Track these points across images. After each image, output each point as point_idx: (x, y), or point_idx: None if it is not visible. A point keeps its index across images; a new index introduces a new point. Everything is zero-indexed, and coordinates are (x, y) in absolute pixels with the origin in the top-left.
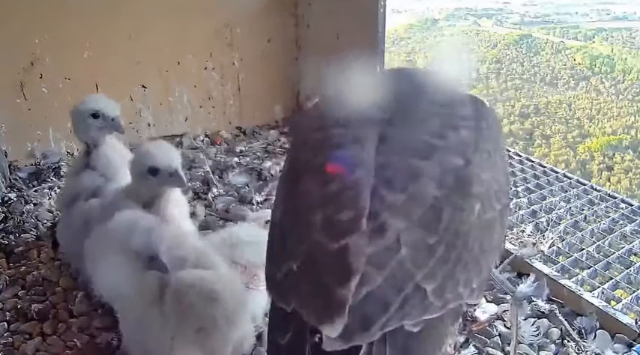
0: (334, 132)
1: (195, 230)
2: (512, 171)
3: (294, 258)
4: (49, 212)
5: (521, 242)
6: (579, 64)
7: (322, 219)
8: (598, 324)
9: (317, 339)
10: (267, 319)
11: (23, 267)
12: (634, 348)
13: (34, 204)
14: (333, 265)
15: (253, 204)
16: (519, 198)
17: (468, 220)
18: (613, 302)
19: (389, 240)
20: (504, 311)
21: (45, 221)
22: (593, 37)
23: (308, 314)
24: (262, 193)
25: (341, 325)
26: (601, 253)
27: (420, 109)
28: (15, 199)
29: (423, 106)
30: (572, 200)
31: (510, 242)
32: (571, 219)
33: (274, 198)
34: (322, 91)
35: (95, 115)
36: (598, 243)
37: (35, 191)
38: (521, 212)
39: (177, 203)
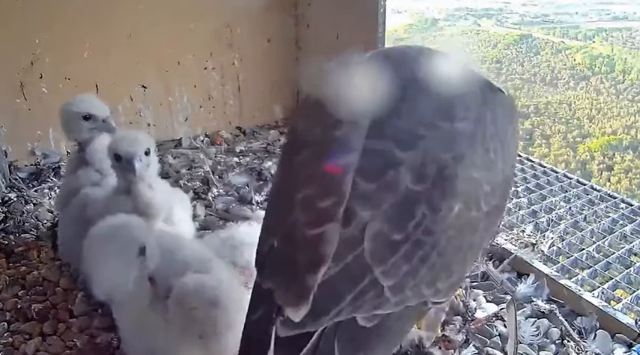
0: (328, 116)
1: (195, 231)
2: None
3: (275, 236)
4: (49, 212)
5: (521, 242)
6: (579, 64)
7: (303, 201)
8: (598, 324)
9: (280, 321)
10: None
11: (23, 267)
12: (634, 348)
13: (34, 204)
14: (308, 251)
15: (253, 204)
16: (519, 198)
17: (443, 220)
18: (613, 302)
19: (353, 232)
20: (501, 309)
21: (45, 221)
22: (593, 37)
23: (278, 294)
24: (262, 193)
25: (305, 310)
26: (601, 253)
27: (420, 95)
28: (15, 199)
29: (424, 91)
30: (572, 200)
31: (510, 242)
32: (571, 219)
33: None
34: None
35: (86, 117)
36: (598, 243)
37: (35, 191)
38: (521, 212)
39: (182, 205)
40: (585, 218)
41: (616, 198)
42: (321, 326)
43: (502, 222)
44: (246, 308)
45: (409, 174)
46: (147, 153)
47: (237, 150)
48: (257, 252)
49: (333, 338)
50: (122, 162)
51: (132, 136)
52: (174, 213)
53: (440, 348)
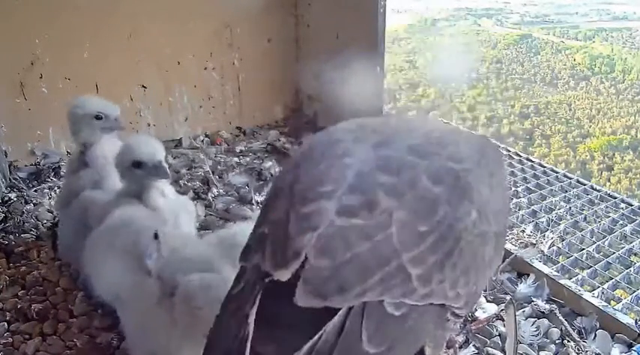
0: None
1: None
2: (512, 171)
3: (266, 224)
4: (49, 212)
5: (521, 242)
6: (579, 64)
7: (298, 191)
8: (598, 324)
9: (268, 282)
10: None
11: (23, 267)
12: (634, 348)
13: (34, 204)
14: (297, 222)
15: (253, 204)
16: (519, 198)
17: (463, 221)
18: (613, 302)
19: (380, 215)
20: (502, 310)
21: (45, 221)
22: (593, 37)
23: (265, 261)
24: (262, 193)
25: (291, 271)
26: (601, 253)
27: (423, 137)
28: (15, 199)
29: (425, 136)
30: (572, 200)
31: (510, 242)
32: (571, 219)
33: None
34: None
35: (98, 117)
36: (598, 243)
37: (35, 191)
38: (521, 212)
39: (187, 212)
40: (585, 218)
41: (616, 198)
42: (347, 303)
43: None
44: None
45: (425, 175)
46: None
47: (237, 150)
48: (243, 250)
49: (360, 319)
50: (146, 167)
51: (149, 141)
52: (180, 219)
53: None
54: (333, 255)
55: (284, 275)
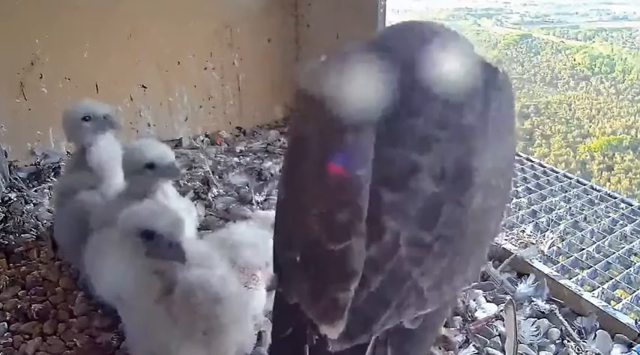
0: (331, 119)
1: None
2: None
3: (294, 249)
4: (49, 212)
5: (521, 242)
6: (579, 64)
7: (320, 215)
8: (598, 324)
9: (317, 338)
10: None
11: (23, 267)
12: (634, 348)
13: (34, 204)
14: (334, 267)
15: (253, 204)
16: (519, 198)
17: (466, 213)
18: (613, 302)
19: (388, 242)
20: (501, 310)
21: (45, 221)
22: (593, 37)
23: (309, 313)
24: (262, 193)
25: (341, 327)
26: (601, 253)
27: (424, 91)
28: (15, 199)
29: (427, 87)
30: (572, 200)
31: (510, 242)
32: (571, 219)
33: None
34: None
35: (86, 118)
36: (598, 243)
37: (35, 191)
38: (521, 212)
39: (189, 214)
40: (585, 218)
41: (616, 198)
42: (372, 337)
43: (502, 221)
44: (249, 306)
45: (430, 177)
46: None
47: (237, 150)
48: (276, 264)
49: (385, 346)
50: (159, 168)
51: (156, 143)
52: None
53: (440, 348)
54: (355, 297)
55: (332, 333)
